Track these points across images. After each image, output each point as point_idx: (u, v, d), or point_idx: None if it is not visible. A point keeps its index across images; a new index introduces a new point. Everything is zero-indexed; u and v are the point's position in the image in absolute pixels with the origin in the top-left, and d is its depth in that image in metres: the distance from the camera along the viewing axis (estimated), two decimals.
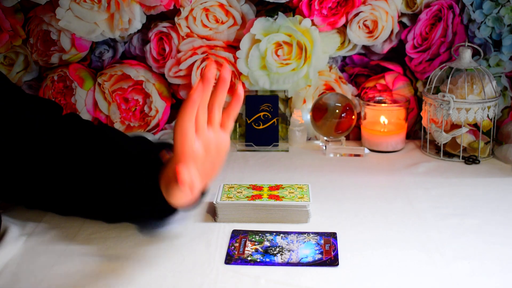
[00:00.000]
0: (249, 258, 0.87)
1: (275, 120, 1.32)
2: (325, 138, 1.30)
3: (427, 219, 0.99)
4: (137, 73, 1.36)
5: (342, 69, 1.39)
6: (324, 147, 1.30)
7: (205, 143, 0.79)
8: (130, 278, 0.83)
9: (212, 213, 1.00)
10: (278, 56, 1.34)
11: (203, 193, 0.88)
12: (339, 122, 1.28)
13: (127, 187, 0.89)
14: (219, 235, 0.94)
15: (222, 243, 0.92)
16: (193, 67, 1.34)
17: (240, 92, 0.79)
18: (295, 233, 0.94)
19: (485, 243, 0.92)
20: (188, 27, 1.35)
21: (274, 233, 0.94)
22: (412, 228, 0.96)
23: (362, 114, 1.33)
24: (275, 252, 0.88)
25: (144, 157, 0.90)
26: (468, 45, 1.26)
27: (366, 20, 1.33)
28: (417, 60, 1.34)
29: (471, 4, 1.29)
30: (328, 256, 0.87)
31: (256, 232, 0.94)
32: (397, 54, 1.37)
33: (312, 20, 1.33)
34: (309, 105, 1.35)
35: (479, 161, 1.24)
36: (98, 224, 0.97)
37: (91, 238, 0.93)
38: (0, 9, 1.34)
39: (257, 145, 1.32)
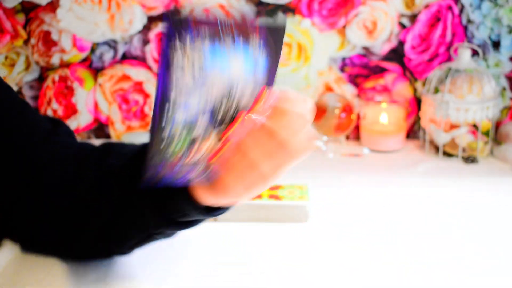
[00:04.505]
0: None
1: None
2: (325, 138, 1.31)
3: (426, 218, 1.00)
4: (137, 73, 1.36)
5: (341, 70, 1.40)
6: (324, 147, 1.31)
7: None
8: (130, 278, 0.83)
9: None
10: None
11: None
12: (339, 122, 1.28)
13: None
14: (219, 235, 0.94)
15: (222, 243, 0.92)
16: None
17: None
18: None
19: (484, 243, 0.92)
20: None
21: None
22: (412, 228, 0.97)
23: (362, 114, 1.34)
24: None
25: None
26: (467, 46, 1.26)
27: (365, 21, 1.33)
28: (416, 60, 1.35)
29: (470, 5, 1.29)
30: None
31: None
32: (396, 54, 1.37)
33: (311, 21, 1.34)
34: None
35: (478, 161, 1.24)
36: None
37: None
38: (1, 9, 1.35)
39: None
